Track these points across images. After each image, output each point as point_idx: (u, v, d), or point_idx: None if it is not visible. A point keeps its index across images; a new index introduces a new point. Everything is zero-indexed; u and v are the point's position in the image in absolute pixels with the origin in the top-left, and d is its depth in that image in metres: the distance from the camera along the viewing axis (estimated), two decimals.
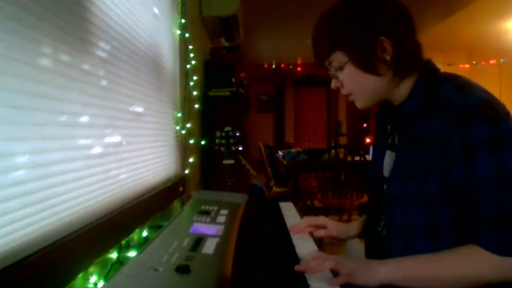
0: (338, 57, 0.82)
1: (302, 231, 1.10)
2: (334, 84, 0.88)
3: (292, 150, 4.25)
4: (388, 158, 0.91)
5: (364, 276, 0.75)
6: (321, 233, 1.09)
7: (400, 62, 0.80)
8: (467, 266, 0.72)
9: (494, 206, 0.70)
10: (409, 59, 0.82)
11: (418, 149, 0.79)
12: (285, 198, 1.51)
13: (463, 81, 0.79)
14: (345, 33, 0.80)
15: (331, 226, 1.10)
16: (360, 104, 0.87)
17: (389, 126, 0.95)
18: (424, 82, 0.82)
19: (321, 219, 1.12)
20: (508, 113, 0.73)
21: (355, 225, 1.10)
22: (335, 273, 0.77)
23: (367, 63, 0.81)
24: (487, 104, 0.72)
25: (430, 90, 0.80)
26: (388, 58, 0.79)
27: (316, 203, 3.60)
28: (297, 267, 0.78)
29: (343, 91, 0.87)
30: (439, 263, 0.74)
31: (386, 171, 0.90)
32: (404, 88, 0.84)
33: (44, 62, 0.67)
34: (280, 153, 4.27)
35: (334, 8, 0.84)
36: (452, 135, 0.72)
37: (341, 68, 0.83)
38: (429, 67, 0.85)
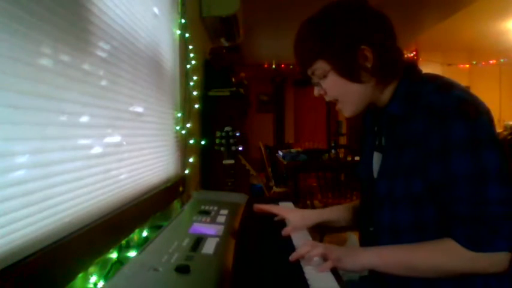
0: (321, 66, 0.84)
1: (263, 208, 1.15)
2: (317, 92, 0.89)
3: (292, 150, 4.25)
4: (376, 160, 0.93)
5: (348, 262, 0.80)
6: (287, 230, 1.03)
7: (381, 68, 0.83)
8: (441, 258, 0.75)
9: (467, 203, 0.72)
10: (390, 65, 0.84)
11: (404, 149, 0.81)
12: (285, 198, 1.51)
13: (443, 82, 0.81)
14: (327, 43, 0.82)
15: (293, 219, 1.09)
16: (346, 112, 0.89)
17: (376, 128, 0.96)
18: (406, 84, 0.85)
19: (282, 210, 1.15)
20: (487, 112, 0.76)
21: (326, 211, 1.13)
22: (325, 260, 0.81)
23: (349, 72, 0.83)
24: (466, 103, 0.75)
25: (413, 92, 0.82)
26: (369, 66, 0.82)
27: (316, 203, 3.59)
28: (291, 257, 0.83)
29: (327, 98, 0.89)
30: (415, 253, 0.78)
31: (375, 173, 0.92)
32: (387, 91, 0.87)
33: (44, 62, 0.67)
34: (280, 153, 4.27)
35: (315, 17, 0.86)
36: (432, 134, 0.75)
37: (324, 77, 0.85)
38: (411, 69, 0.87)
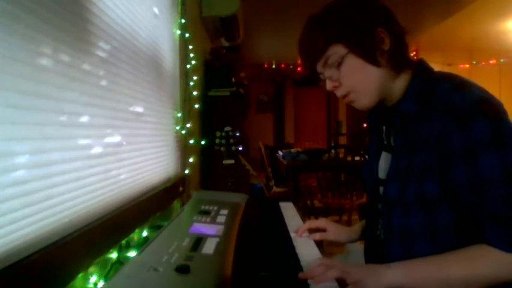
0: (336, 51, 0.80)
1: (301, 234, 1.07)
2: (330, 85, 0.84)
3: (292, 150, 4.25)
4: (384, 160, 0.90)
5: (371, 283, 0.72)
6: (316, 236, 1.05)
7: (397, 53, 0.81)
8: (477, 266, 0.70)
9: (503, 203, 0.69)
10: (404, 52, 0.83)
11: (417, 150, 0.78)
12: (285, 198, 1.51)
13: (460, 80, 0.78)
14: (342, 25, 0.80)
15: (331, 229, 1.08)
16: (360, 102, 0.83)
17: (384, 128, 0.93)
18: (419, 81, 0.82)
19: (322, 222, 1.09)
20: (505, 111, 0.74)
21: (357, 228, 1.09)
22: (340, 281, 0.74)
23: (369, 52, 0.79)
24: (487, 102, 0.72)
25: (427, 90, 0.80)
26: (386, 48, 0.80)
27: (316, 203, 3.59)
28: (301, 275, 0.75)
29: (341, 90, 0.83)
30: (447, 265, 0.72)
31: (381, 174, 0.89)
32: (399, 86, 0.84)
33: (44, 62, 0.67)
34: (280, 153, 4.27)
35: (322, 10, 0.84)
36: (453, 135, 0.72)
37: (339, 63, 0.80)
38: (423, 66, 0.85)
